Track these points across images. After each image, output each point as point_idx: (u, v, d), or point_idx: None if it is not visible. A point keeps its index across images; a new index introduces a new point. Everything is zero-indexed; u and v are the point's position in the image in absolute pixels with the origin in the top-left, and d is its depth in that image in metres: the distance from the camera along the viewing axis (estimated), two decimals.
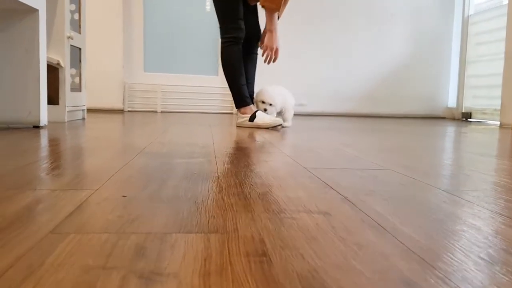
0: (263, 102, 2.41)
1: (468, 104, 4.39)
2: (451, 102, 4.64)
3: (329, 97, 4.40)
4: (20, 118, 1.97)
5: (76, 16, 2.70)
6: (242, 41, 2.39)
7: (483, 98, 4.16)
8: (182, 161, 1.13)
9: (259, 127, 2.31)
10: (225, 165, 1.09)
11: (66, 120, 2.41)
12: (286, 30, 4.27)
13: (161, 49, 4.23)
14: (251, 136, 1.88)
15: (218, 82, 4.29)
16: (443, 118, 4.62)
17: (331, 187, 0.85)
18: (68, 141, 1.54)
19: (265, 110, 2.40)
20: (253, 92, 2.56)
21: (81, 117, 2.76)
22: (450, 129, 2.79)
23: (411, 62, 4.59)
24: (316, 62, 4.41)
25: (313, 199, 0.75)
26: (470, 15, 4.39)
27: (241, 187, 0.83)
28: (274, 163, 1.15)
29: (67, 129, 1.98)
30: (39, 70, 1.94)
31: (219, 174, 0.97)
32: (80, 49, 2.69)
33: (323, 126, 2.68)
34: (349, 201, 0.75)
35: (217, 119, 3.29)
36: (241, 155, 1.28)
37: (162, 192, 0.77)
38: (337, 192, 0.81)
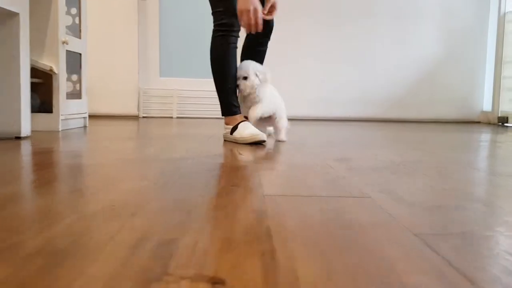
0: (238, 78, 1.94)
1: (504, 108, 4.04)
2: (486, 105, 4.30)
3: (353, 102, 4.15)
4: (5, 128, 1.87)
5: (77, 20, 2.61)
6: (237, 33, 1.96)
7: None
8: None
9: (237, 142, 1.87)
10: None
11: (60, 129, 2.30)
12: (306, 31, 4.07)
13: (177, 53, 4.11)
14: (233, 151, 1.70)
15: None
16: (478, 122, 4.28)
17: (268, 234, 0.67)
18: (37, 159, 1.41)
19: (237, 86, 1.94)
20: None
21: (82, 125, 2.66)
22: (482, 138, 2.52)
23: (442, 63, 4.28)
24: (337, 65, 4.18)
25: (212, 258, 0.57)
26: (507, 12, 4.04)
27: None
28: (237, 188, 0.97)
29: (54, 141, 1.87)
30: (19, 77, 1.83)
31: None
32: (80, 54, 2.59)
33: (338, 134, 2.45)
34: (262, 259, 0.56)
35: None
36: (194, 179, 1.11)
37: None
38: (270, 237, 0.63)
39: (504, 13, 4.06)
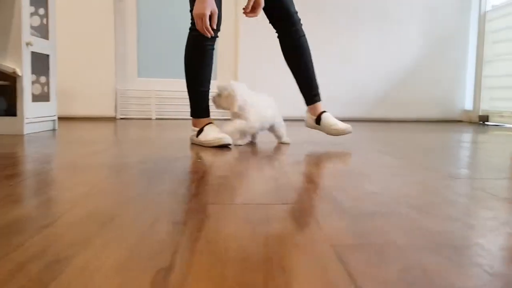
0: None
1: (485, 107, 4.04)
2: (468, 104, 4.29)
3: (335, 101, 4.11)
4: None
5: (45, 21, 2.56)
6: (215, 33, 1.87)
7: (501, 100, 3.82)
8: None
9: (202, 145, 1.83)
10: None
11: (24, 133, 2.25)
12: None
13: (156, 53, 4.06)
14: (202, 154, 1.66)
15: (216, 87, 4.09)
16: (460, 121, 4.27)
17: (175, 250, 0.63)
18: None
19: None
20: (309, 94, 2.03)
21: (50, 128, 2.61)
22: (460, 138, 2.50)
23: (424, 62, 4.26)
24: (319, 65, 4.14)
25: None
26: (487, 11, 4.04)
27: None
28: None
29: (13, 145, 1.82)
30: None
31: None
32: (48, 56, 2.54)
33: (311, 136, 2.41)
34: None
35: None
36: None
37: None
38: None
39: (485, 12, 4.05)
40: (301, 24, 2.02)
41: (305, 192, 0.99)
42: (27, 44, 2.25)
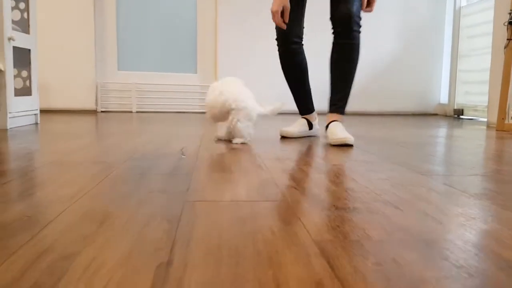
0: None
1: (460, 101, 4.17)
2: (443, 98, 4.42)
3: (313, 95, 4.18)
4: None
5: (26, 15, 2.55)
6: (296, 39, 2.08)
7: (475, 94, 3.94)
8: None
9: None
10: None
11: (8, 127, 2.26)
12: (261, 26, 4.07)
13: (136, 46, 4.06)
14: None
15: (196, 80, 4.12)
16: (435, 114, 4.40)
17: (172, 244, 0.69)
18: None
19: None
20: (335, 103, 2.06)
21: (33, 122, 2.61)
22: (436, 133, 2.59)
23: (400, 57, 4.36)
24: None
25: None
26: (462, 6, 4.15)
27: None
28: None
29: None
30: None
31: None
32: (29, 50, 2.54)
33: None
34: None
35: (189, 120, 3.13)
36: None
37: None
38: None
39: (460, 8, 4.16)
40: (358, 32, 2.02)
41: (287, 189, 1.05)
42: (9, 39, 2.25)
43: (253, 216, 0.82)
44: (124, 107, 4.00)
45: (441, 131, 2.70)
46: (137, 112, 3.97)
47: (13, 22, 2.40)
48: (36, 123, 2.61)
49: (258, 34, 4.06)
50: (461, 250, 0.66)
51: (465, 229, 0.76)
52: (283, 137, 2.12)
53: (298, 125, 2.17)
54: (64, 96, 3.79)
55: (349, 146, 1.84)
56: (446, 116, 4.23)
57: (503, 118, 2.76)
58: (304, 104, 2.17)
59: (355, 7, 1.89)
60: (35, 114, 2.62)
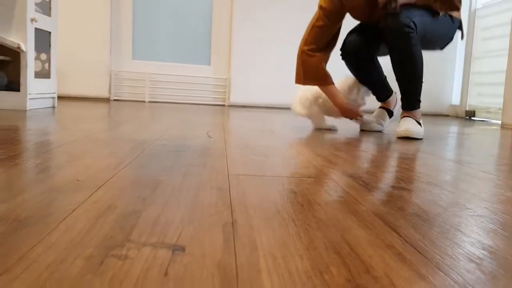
0: None
1: (472, 102, 4.16)
2: (455, 99, 4.41)
3: None
4: None
5: None
6: (350, 52, 2.07)
7: (488, 96, 3.93)
8: None
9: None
10: None
11: (27, 109, 2.26)
12: (276, 19, 4.06)
13: (151, 35, 4.06)
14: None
15: (210, 72, 4.12)
16: (446, 116, 4.39)
17: (230, 209, 0.68)
18: (3, 136, 1.38)
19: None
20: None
21: (50, 105, 2.61)
22: (450, 130, 2.58)
23: None
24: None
25: None
26: (478, 8, 4.14)
27: None
28: None
29: (21, 119, 1.83)
30: None
31: None
32: (50, 33, 2.54)
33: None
34: None
35: (203, 111, 3.13)
36: None
37: None
38: None
39: (475, 10, 4.15)
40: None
41: (325, 168, 1.05)
42: (32, 20, 2.25)
43: (301, 190, 0.81)
44: (137, 96, 4.00)
45: (459, 129, 2.69)
46: (149, 101, 3.97)
47: (36, 4, 2.40)
48: (53, 107, 2.61)
49: (273, 27, 4.06)
50: None
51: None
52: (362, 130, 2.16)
53: (374, 116, 2.20)
54: (78, 82, 3.79)
55: (415, 139, 1.83)
56: (457, 117, 4.22)
57: None
58: (374, 91, 2.18)
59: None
60: (52, 98, 2.62)
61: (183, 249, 0.49)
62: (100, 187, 0.75)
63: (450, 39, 2.04)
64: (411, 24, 1.78)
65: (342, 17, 1.99)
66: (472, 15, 4.17)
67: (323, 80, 1.98)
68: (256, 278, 0.44)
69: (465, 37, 2.17)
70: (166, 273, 0.43)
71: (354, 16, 1.99)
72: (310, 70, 1.98)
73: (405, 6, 1.82)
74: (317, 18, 1.97)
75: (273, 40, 4.07)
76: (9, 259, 0.44)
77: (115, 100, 3.90)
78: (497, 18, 3.83)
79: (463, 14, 4.23)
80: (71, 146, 1.18)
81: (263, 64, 4.06)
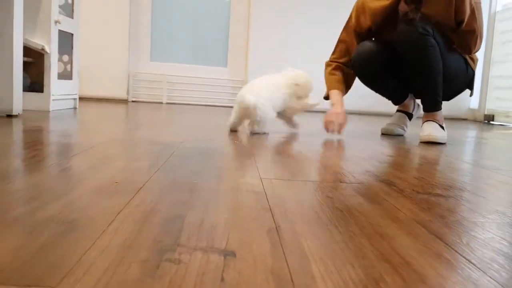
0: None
1: (491, 106, 4.11)
2: (473, 103, 4.37)
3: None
4: None
5: (70, 0, 2.57)
6: (362, 59, 1.97)
7: (507, 100, 3.89)
8: None
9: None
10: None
11: (50, 109, 2.28)
12: (294, 23, 4.06)
13: (169, 37, 4.08)
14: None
15: (227, 74, 4.13)
16: (465, 119, 4.35)
17: (270, 213, 0.68)
18: (30, 137, 1.40)
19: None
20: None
21: (72, 106, 2.63)
22: (471, 134, 2.56)
23: None
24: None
25: None
26: (498, 11, 4.09)
27: None
28: None
29: (46, 120, 1.85)
30: (12, 54, 1.81)
31: None
32: (72, 34, 2.56)
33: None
34: None
35: (220, 113, 3.13)
36: None
37: None
38: None
39: (495, 12, 4.11)
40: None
41: (359, 175, 1.04)
42: (56, 22, 2.27)
43: (337, 195, 0.81)
44: (155, 97, 4.02)
45: (479, 133, 2.66)
46: (167, 103, 3.99)
47: (58, 6, 2.42)
48: (75, 108, 2.63)
49: (291, 30, 4.06)
50: None
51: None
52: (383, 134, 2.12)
53: (394, 120, 2.18)
54: (96, 84, 3.82)
55: (439, 144, 1.81)
56: (475, 121, 4.18)
57: None
58: (390, 96, 2.18)
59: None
60: (74, 99, 2.65)
61: (234, 254, 0.49)
62: (139, 189, 0.75)
63: (460, 85, 1.99)
64: (427, 27, 1.77)
65: (365, 34, 2.00)
66: (491, 18, 4.13)
67: (329, 82, 2.04)
68: (311, 284, 0.43)
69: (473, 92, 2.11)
70: (222, 279, 0.43)
71: (373, 21, 1.95)
72: (325, 76, 2.08)
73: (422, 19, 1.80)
74: (342, 31, 2.07)
75: (290, 43, 4.07)
76: (67, 261, 0.45)
77: (133, 101, 3.92)
78: None
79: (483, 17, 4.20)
80: (100, 148, 1.19)
81: (279, 67, 4.04)
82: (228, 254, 0.49)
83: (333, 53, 2.09)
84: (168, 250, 0.49)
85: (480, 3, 1.85)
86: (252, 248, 0.52)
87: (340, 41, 2.08)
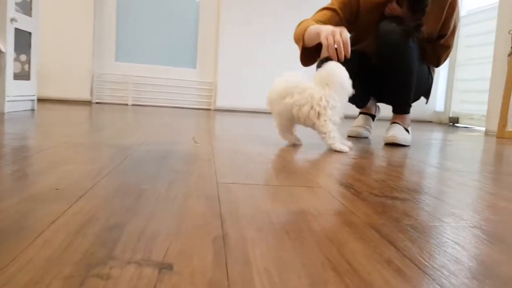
0: None
1: (455, 109, 4.19)
2: (439, 106, 4.44)
3: None
4: None
5: None
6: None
7: (471, 103, 3.96)
8: None
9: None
10: None
11: (5, 111, 2.19)
12: (263, 24, 4.04)
13: (135, 37, 4.00)
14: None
15: (196, 76, 4.07)
16: (430, 122, 4.42)
17: (220, 220, 0.65)
18: None
19: None
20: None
21: (29, 108, 2.54)
22: (435, 137, 2.59)
23: None
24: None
25: None
26: (463, 16, 4.17)
27: None
28: None
29: None
30: None
31: None
32: (30, 33, 2.47)
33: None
34: None
35: (188, 115, 3.08)
36: None
37: None
38: None
39: (460, 17, 4.18)
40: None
41: (318, 177, 1.02)
42: (12, 20, 2.18)
43: (293, 199, 0.78)
44: (120, 99, 3.93)
45: (444, 135, 2.70)
46: (132, 105, 3.90)
47: (16, 3, 2.33)
48: (33, 109, 2.54)
49: (260, 31, 4.04)
50: None
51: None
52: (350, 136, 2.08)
53: (359, 123, 2.17)
54: (58, 85, 3.70)
55: (403, 146, 1.81)
56: (441, 123, 4.25)
57: (504, 126, 2.77)
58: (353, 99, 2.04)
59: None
60: (32, 100, 2.55)
61: (170, 267, 0.46)
62: (81, 196, 0.71)
63: (419, 92, 2.02)
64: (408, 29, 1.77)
65: (351, 13, 1.82)
66: None
67: (303, 27, 1.68)
68: None
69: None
70: None
71: (364, 14, 1.85)
72: (297, 31, 1.74)
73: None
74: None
75: (260, 43, 4.05)
76: None
77: (97, 103, 3.82)
78: (481, 26, 3.86)
79: None
80: (51, 151, 1.13)
81: (249, 68, 4.03)
82: (164, 267, 0.46)
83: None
84: (98, 264, 0.45)
85: (458, 24, 1.89)
86: (192, 260, 0.48)
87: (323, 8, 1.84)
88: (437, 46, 1.89)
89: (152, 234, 0.55)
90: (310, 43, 1.68)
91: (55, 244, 0.50)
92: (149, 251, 0.49)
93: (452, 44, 1.91)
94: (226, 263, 0.48)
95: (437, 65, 1.97)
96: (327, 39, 1.52)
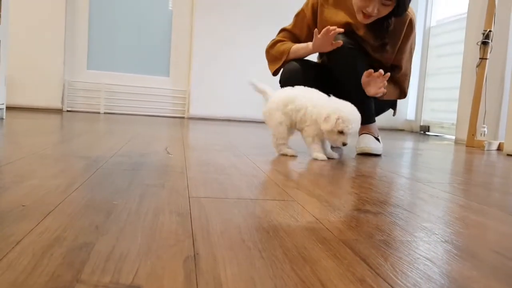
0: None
1: (426, 117, 4.27)
2: (410, 114, 4.52)
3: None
4: None
5: None
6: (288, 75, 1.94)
7: (441, 111, 4.05)
8: None
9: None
10: None
11: None
12: (237, 33, 4.05)
13: (107, 45, 3.95)
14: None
15: (169, 84, 4.04)
16: (402, 130, 4.49)
17: (192, 238, 0.64)
18: None
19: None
20: None
21: None
22: (406, 146, 2.62)
23: None
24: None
25: None
26: (432, 26, 4.28)
27: None
28: None
29: None
30: None
31: None
32: None
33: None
34: None
35: (161, 123, 3.05)
36: None
37: None
38: None
39: (429, 28, 4.28)
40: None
41: (289, 190, 1.02)
42: None
43: (266, 214, 0.78)
44: (92, 107, 3.87)
45: (415, 144, 2.74)
46: (105, 113, 3.85)
47: None
48: (1, 118, 2.47)
49: (234, 39, 4.04)
50: (491, 251, 0.65)
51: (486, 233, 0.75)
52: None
53: None
54: (28, 92, 3.62)
55: (375, 155, 1.85)
56: (412, 132, 4.33)
57: (473, 135, 2.83)
58: None
59: None
60: (0, 109, 2.48)
61: None
62: (49, 213, 0.69)
63: (384, 105, 2.12)
64: (354, 43, 1.83)
65: (309, 32, 1.96)
66: (426, 32, 4.30)
67: (285, 49, 1.94)
68: None
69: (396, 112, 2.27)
70: None
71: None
72: (272, 49, 2.00)
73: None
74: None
75: (233, 52, 4.05)
76: None
77: (68, 111, 3.75)
78: (450, 36, 3.96)
79: (419, 32, 4.37)
80: (19, 164, 1.10)
81: (222, 76, 4.03)
82: None
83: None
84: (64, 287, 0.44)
85: (414, 51, 1.98)
86: (162, 282, 0.47)
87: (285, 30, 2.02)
88: (397, 79, 1.96)
89: (121, 253, 0.54)
90: (294, 57, 1.93)
91: (20, 267, 0.48)
92: (118, 273, 0.48)
93: (410, 70, 2.00)
94: (197, 285, 0.47)
95: (404, 96, 2.05)
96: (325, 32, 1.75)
